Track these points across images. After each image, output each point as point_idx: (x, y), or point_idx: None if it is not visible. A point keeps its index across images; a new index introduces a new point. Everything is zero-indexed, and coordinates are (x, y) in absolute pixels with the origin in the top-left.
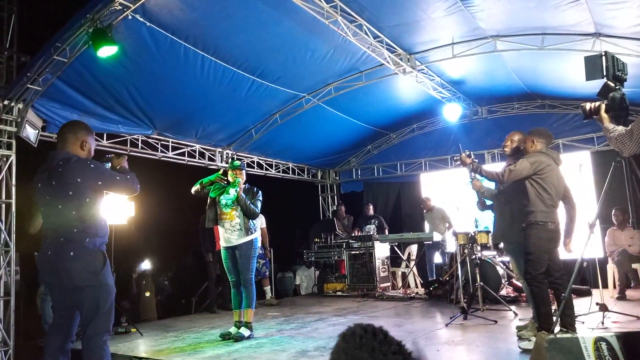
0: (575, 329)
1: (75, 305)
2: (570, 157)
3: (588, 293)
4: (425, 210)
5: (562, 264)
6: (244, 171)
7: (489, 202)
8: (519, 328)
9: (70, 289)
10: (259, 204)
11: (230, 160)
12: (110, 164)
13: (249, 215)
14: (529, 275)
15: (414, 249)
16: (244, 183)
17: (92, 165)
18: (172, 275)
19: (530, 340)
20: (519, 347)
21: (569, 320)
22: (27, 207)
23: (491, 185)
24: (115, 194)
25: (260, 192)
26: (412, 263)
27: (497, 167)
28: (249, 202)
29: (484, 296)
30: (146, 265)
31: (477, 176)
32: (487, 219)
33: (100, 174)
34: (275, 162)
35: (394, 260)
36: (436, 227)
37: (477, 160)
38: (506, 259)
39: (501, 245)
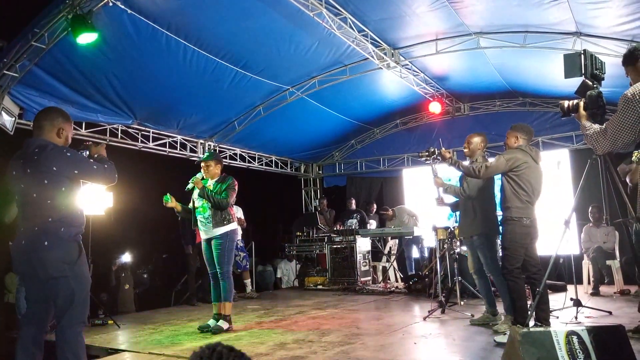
0: (549, 323)
1: (50, 296)
2: (549, 155)
3: (563, 288)
4: (388, 220)
5: (539, 260)
6: (211, 162)
7: (450, 200)
8: (494, 322)
9: (45, 279)
10: (231, 193)
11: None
12: (87, 152)
13: (216, 207)
14: (505, 270)
15: (394, 243)
16: (221, 172)
17: (68, 154)
18: (152, 268)
19: (505, 334)
20: (494, 341)
21: (543, 315)
22: (2, 195)
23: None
24: (92, 183)
25: (231, 179)
26: (393, 257)
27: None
28: (212, 193)
29: (462, 291)
30: (126, 257)
31: (439, 174)
32: None
33: (77, 163)
34: (258, 154)
35: (375, 254)
36: (405, 225)
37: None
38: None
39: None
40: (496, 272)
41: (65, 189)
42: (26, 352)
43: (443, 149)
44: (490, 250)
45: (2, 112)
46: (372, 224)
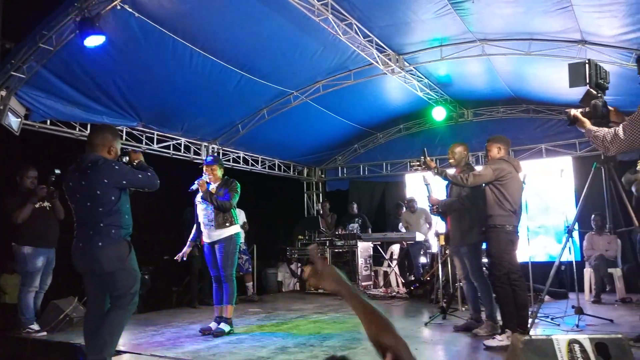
0: (527, 330)
1: (107, 288)
2: (552, 162)
3: (565, 296)
4: (406, 211)
5: (520, 266)
6: (216, 166)
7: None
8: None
9: (101, 274)
10: (234, 195)
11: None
12: (127, 158)
13: (219, 209)
14: (493, 277)
15: (396, 248)
16: (223, 176)
17: (116, 167)
18: (153, 269)
19: (493, 338)
20: (483, 344)
21: (521, 321)
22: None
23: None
24: (139, 190)
25: (235, 182)
26: (394, 262)
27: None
28: (215, 195)
29: (463, 296)
30: None
31: (432, 191)
32: None
33: (125, 174)
34: (261, 158)
35: (377, 259)
36: (420, 227)
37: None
38: (486, 260)
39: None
40: (482, 279)
41: (115, 197)
42: (93, 337)
43: (428, 158)
44: (476, 258)
45: (9, 113)
46: (403, 229)
